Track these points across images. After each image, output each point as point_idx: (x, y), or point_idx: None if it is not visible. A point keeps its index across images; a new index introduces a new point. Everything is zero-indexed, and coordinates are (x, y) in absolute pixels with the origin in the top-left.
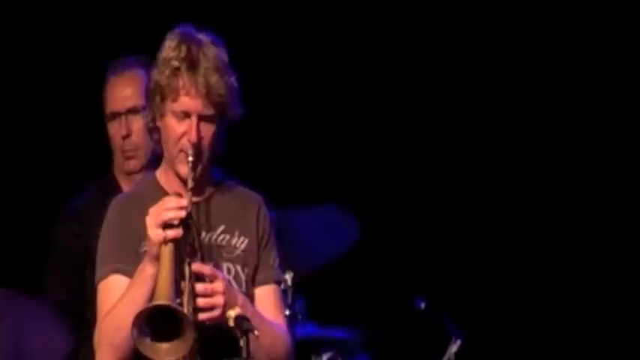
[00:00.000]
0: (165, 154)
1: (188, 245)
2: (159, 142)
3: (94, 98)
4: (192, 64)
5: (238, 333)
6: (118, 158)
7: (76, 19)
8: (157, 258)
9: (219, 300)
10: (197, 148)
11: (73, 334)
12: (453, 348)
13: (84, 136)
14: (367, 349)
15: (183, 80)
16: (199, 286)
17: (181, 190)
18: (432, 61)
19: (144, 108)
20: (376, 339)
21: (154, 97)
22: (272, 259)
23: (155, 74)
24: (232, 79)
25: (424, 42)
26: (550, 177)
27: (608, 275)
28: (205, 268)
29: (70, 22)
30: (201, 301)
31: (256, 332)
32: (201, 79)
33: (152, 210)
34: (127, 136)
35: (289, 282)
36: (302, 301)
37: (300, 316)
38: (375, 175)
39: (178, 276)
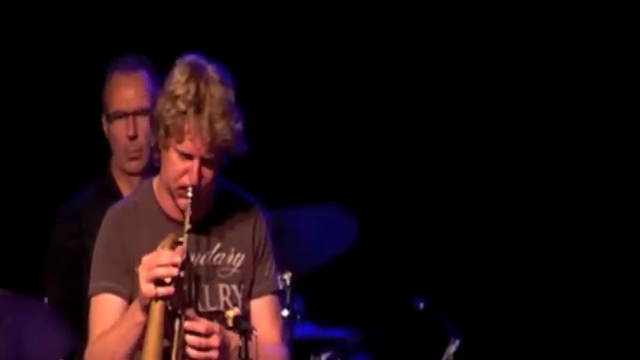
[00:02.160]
0: (164, 180)
1: (182, 296)
2: (158, 160)
3: (91, 98)
4: (199, 109)
5: (237, 333)
6: (119, 158)
7: (74, 18)
8: (148, 309)
9: (214, 355)
10: (196, 187)
11: (71, 335)
12: (452, 348)
13: (81, 137)
14: (366, 349)
15: (189, 125)
16: (194, 340)
17: (180, 215)
18: (431, 59)
19: (148, 110)
20: (375, 339)
21: (159, 129)
22: (268, 270)
23: (160, 106)
24: (238, 124)
25: (422, 38)
26: (548, 176)
27: (607, 274)
28: (200, 326)
29: (68, 22)
30: (193, 353)
31: (255, 332)
32: (206, 125)
33: (145, 261)
34: (135, 137)
35: (288, 282)
36: (301, 301)
37: (298, 316)
38: (374, 174)
39: (168, 330)
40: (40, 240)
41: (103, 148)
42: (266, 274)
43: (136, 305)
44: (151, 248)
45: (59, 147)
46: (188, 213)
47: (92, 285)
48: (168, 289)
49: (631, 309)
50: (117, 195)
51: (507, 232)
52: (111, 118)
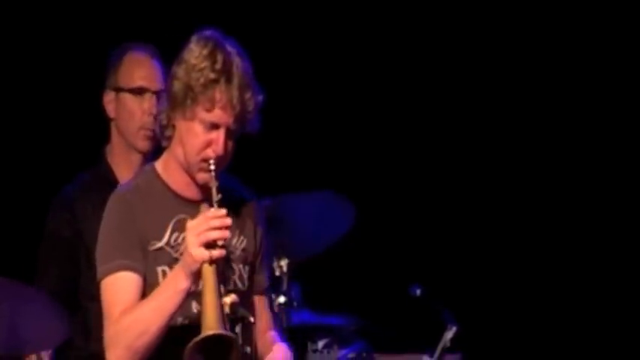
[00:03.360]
0: (180, 154)
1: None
2: (169, 138)
3: (84, 92)
4: (229, 78)
5: (234, 320)
6: (131, 134)
7: (63, 13)
8: (196, 274)
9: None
10: (220, 158)
11: (67, 323)
12: (449, 334)
13: (74, 127)
14: (363, 336)
15: (221, 93)
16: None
17: (195, 196)
18: (423, 53)
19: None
20: (372, 326)
21: (184, 99)
22: (265, 264)
23: (184, 76)
24: (260, 97)
25: (414, 35)
26: (538, 170)
27: (597, 265)
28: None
29: (59, 16)
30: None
31: (251, 318)
32: (237, 94)
33: (193, 226)
34: (156, 115)
35: (285, 269)
36: (298, 288)
37: (295, 303)
38: (371, 161)
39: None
40: (38, 228)
41: (95, 138)
42: (263, 270)
43: (177, 273)
44: (163, 227)
45: (53, 137)
46: (214, 184)
47: (103, 267)
48: (221, 252)
49: (620, 299)
50: (114, 182)
51: (502, 220)
52: (131, 92)
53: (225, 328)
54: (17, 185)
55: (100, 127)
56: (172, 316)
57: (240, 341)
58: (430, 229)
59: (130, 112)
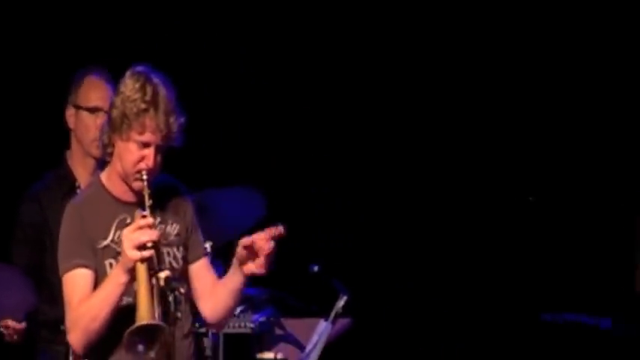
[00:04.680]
0: (119, 167)
1: (157, 258)
2: (111, 154)
3: (54, 109)
4: (156, 107)
5: (168, 291)
6: (87, 144)
7: (37, 22)
8: (131, 270)
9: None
10: (150, 170)
11: (35, 292)
12: (340, 303)
13: (42, 138)
14: (272, 303)
15: (150, 120)
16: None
17: (131, 199)
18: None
19: None
20: (279, 295)
21: (121, 125)
22: (198, 237)
23: (120, 106)
24: (182, 119)
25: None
26: (414, 157)
27: (469, 236)
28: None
29: (34, 23)
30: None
31: (182, 289)
32: (163, 120)
33: (127, 232)
34: (100, 136)
35: (209, 249)
36: (220, 266)
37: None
38: (278, 161)
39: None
40: (11, 217)
41: (58, 145)
42: (200, 240)
43: (118, 269)
44: (108, 228)
45: (24, 144)
46: (147, 192)
47: (63, 265)
48: (151, 252)
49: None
50: (72, 180)
51: (385, 207)
52: (87, 110)
53: (155, 317)
54: None
55: (62, 136)
56: (117, 303)
57: (172, 309)
58: (326, 217)
59: (86, 126)
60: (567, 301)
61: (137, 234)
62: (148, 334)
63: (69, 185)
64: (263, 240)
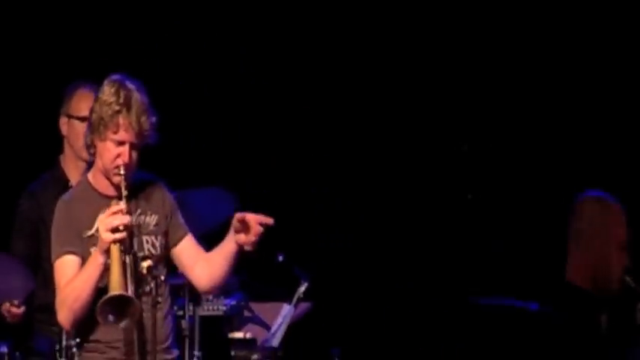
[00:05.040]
0: (100, 165)
1: (128, 240)
2: (94, 155)
3: (50, 118)
4: (128, 108)
5: (149, 278)
6: (78, 149)
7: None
8: (107, 251)
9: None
10: (127, 165)
11: (31, 278)
12: (302, 288)
13: (39, 143)
14: (242, 289)
15: (123, 119)
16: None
17: (114, 193)
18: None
19: None
20: (248, 282)
21: (98, 126)
22: (180, 219)
23: (98, 110)
24: (154, 119)
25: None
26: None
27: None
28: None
29: (27, 29)
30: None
31: (162, 277)
32: (135, 119)
33: (102, 217)
34: (84, 138)
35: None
36: None
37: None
38: (249, 164)
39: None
40: (10, 213)
41: (53, 149)
42: (180, 221)
43: (96, 252)
44: (93, 219)
45: (23, 148)
46: (123, 184)
47: (54, 254)
48: (123, 234)
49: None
50: (65, 181)
51: (342, 200)
52: (75, 120)
53: (126, 290)
54: None
55: (56, 142)
56: (97, 283)
57: (154, 293)
58: (291, 213)
59: (77, 133)
60: (501, 288)
61: (110, 218)
62: (119, 305)
63: (62, 185)
64: (253, 221)
